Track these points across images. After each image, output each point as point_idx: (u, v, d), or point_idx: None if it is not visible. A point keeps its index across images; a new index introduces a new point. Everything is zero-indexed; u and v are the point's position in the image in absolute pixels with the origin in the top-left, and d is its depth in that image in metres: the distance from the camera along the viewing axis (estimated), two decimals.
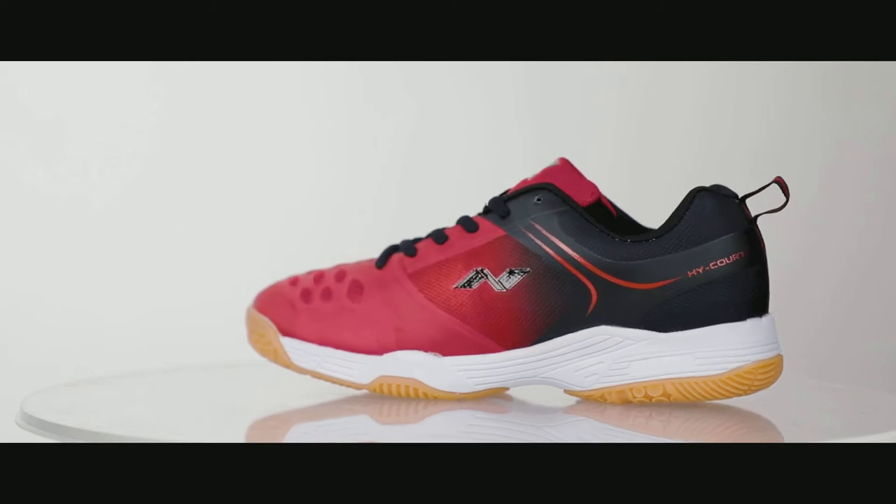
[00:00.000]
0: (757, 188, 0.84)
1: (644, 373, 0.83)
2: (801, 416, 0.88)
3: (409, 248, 0.87)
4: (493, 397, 0.86)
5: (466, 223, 0.86)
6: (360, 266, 0.88)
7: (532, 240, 0.84)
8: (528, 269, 0.84)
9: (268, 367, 0.90)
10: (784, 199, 0.83)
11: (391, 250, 0.88)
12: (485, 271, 0.84)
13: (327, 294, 0.87)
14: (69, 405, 0.86)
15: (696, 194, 0.83)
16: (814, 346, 1.70)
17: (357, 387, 0.86)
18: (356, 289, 0.86)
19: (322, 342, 0.86)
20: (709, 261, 0.82)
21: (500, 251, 0.84)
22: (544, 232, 0.84)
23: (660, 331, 0.83)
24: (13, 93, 1.54)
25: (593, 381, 0.84)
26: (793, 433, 0.81)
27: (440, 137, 1.64)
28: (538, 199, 0.85)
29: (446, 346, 0.84)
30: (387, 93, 1.63)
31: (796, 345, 1.71)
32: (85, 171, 1.56)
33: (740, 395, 0.84)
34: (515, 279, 0.84)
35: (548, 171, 0.87)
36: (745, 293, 0.83)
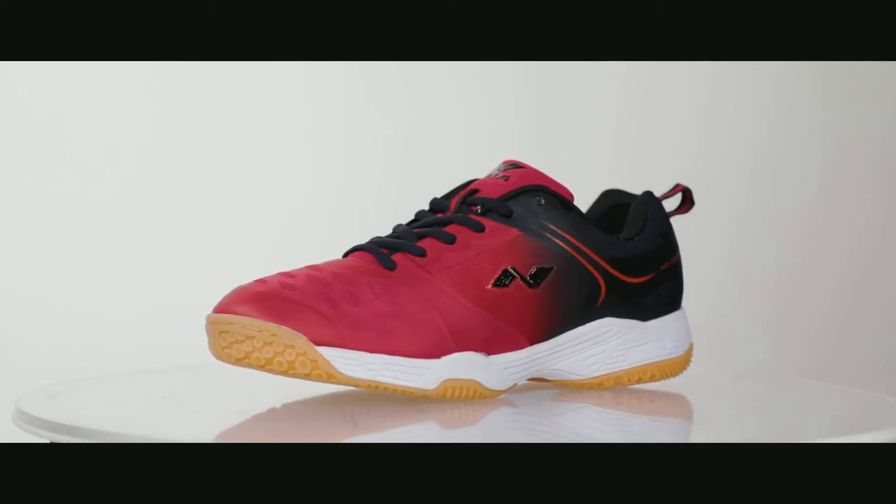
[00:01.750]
0: (663, 193, 0.94)
1: (637, 358, 0.91)
2: (799, 415, 0.88)
3: (411, 248, 0.85)
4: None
5: (470, 223, 0.86)
6: (357, 267, 0.84)
7: (550, 238, 0.87)
8: (552, 267, 0.87)
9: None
10: (686, 204, 0.95)
11: (378, 251, 0.85)
12: (515, 270, 0.85)
13: (351, 298, 0.82)
14: (66, 404, 0.86)
15: (649, 197, 0.92)
16: (814, 346, 1.70)
17: (421, 394, 0.82)
18: (381, 291, 0.83)
19: (374, 349, 0.82)
20: (670, 256, 0.93)
21: (521, 250, 0.86)
22: (560, 231, 0.87)
23: (643, 320, 0.91)
24: (13, 93, 1.54)
25: (596, 370, 0.90)
26: (791, 433, 0.81)
27: (440, 137, 1.64)
28: (541, 200, 0.87)
29: (492, 344, 0.85)
30: (387, 93, 1.63)
31: (796, 345, 1.71)
32: (85, 171, 1.56)
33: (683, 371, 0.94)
34: (543, 277, 0.86)
35: (526, 174, 0.89)
36: (682, 283, 0.95)
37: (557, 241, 0.87)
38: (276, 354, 0.81)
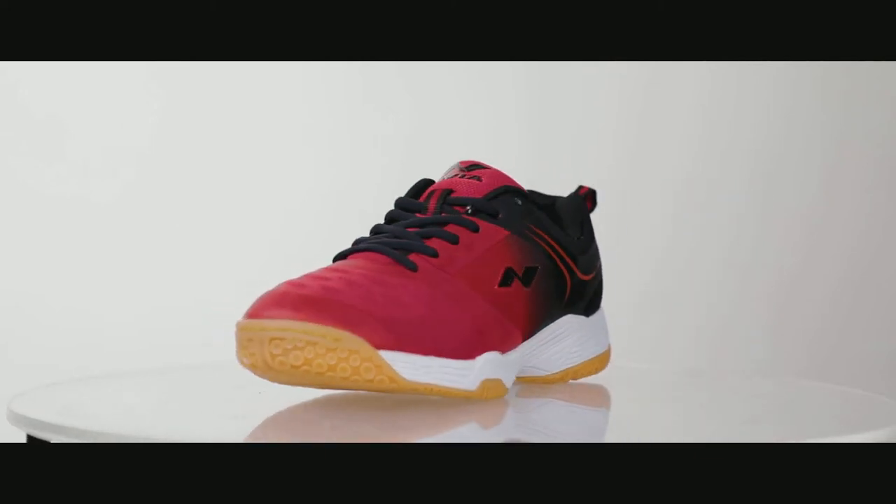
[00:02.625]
0: (571, 194, 0.95)
1: (588, 353, 0.93)
2: (796, 415, 0.89)
3: (424, 248, 0.83)
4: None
5: (466, 223, 0.86)
6: (380, 269, 0.82)
7: (533, 239, 0.87)
8: (537, 266, 0.87)
9: None
10: (587, 205, 0.95)
11: (394, 252, 0.83)
12: (513, 270, 0.86)
13: (394, 301, 0.80)
14: (65, 404, 0.86)
15: (579, 198, 0.93)
16: (814, 346, 1.70)
17: (466, 395, 0.81)
18: (415, 293, 0.81)
19: (427, 352, 0.79)
20: (598, 253, 0.94)
21: (514, 250, 0.86)
22: (539, 231, 0.88)
23: (587, 316, 0.93)
24: (13, 93, 1.54)
25: (559, 365, 0.92)
26: (787, 433, 0.81)
27: (440, 137, 1.64)
28: (518, 201, 0.87)
29: (503, 343, 0.85)
30: (387, 93, 1.63)
31: (796, 345, 1.71)
32: (85, 171, 1.56)
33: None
34: (532, 276, 0.87)
35: (495, 175, 0.88)
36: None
37: (538, 241, 0.87)
38: (341, 360, 0.77)
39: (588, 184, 0.96)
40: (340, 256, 0.86)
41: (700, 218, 1.69)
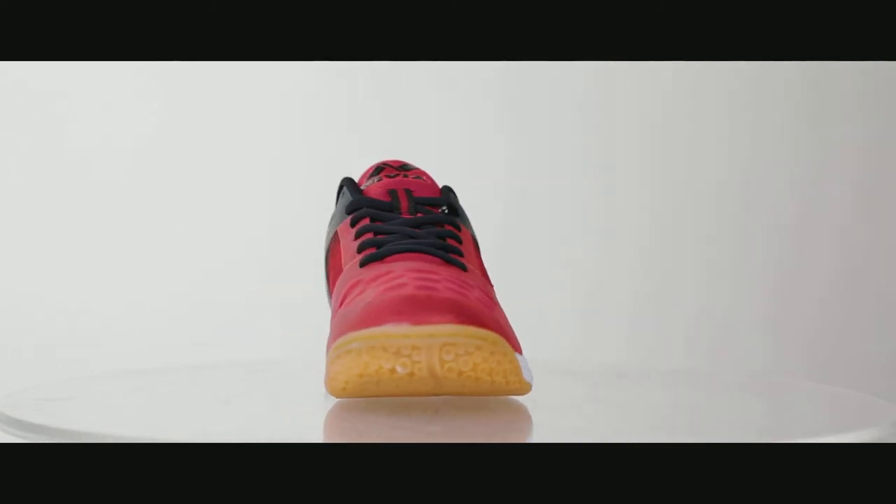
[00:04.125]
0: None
1: None
2: (782, 416, 0.89)
3: (451, 247, 0.82)
4: None
5: (452, 222, 0.85)
6: (444, 270, 0.80)
7: (475, 236, 0.87)
8: (481, 263, 0.86)
9: (276, 369, 0.88)
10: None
11: (439, 252, 0.81)
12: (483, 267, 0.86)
13: (482, 302, 0.78)
14: (63, 405, 0.86)
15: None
16: (814, 346, 1.70)
17: (529, 389, 0.79)
18: (478, 292, 0.79)
19: (520, 351, 0.78)
20: None
21: (476, 248, 0.86)
22: (471, 227, 0.87)
23: None
24: (13, 93, 1.55)
25: None
26: (771, 433, 0.81)
27: (440, 138, 1.64)
28: (456, 199, 0.87)
29: None
30: (384, 93, 1.63)
31: (796, 345, 1.71)
32: (85, 171, 1.56)
33: None
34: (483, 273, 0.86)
35: (428, 175, 0.88)
36: None
37: (475, 237, 0.86)
38: (498, 364, 0.75)
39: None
40: (374, 258, 0.82)
41: (700, 218, 1.69)
